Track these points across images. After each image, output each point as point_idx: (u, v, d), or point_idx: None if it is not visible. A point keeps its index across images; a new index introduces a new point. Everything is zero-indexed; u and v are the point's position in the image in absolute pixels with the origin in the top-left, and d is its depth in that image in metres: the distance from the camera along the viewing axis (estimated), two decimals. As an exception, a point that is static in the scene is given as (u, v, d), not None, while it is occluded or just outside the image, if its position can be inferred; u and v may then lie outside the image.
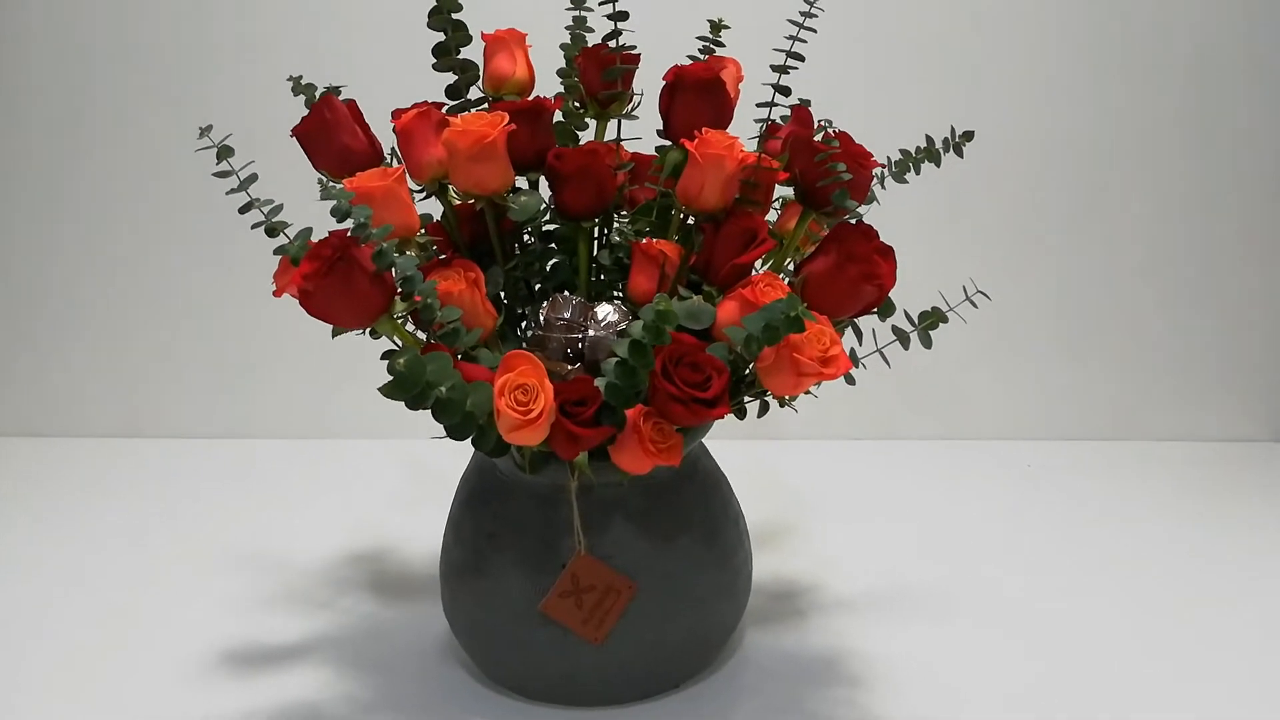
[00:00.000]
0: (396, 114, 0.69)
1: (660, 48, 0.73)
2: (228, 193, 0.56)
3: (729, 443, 0.79)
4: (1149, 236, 1.25)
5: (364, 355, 0.73)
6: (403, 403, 0.52)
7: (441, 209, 0.68)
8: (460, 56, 0.68)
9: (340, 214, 0.53)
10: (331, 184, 0.54)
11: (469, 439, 0.56)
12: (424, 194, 0.68)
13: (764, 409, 0.64)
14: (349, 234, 0.54)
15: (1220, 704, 0.68)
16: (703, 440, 0.73)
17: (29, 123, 1.17)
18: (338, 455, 1.16)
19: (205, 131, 0.56)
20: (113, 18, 1.15)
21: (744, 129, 0.67)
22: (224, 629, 0.77)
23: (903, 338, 0.63)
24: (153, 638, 0.76)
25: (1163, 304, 1.26)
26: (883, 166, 0.66)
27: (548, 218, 0.69)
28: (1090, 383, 1.26)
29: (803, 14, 0.64)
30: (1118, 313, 1.26)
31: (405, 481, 1.07)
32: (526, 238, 0.71)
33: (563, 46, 0.76)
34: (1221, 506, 1.03)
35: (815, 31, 0.64)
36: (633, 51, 0.71)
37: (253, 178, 0.56)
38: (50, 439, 1.21)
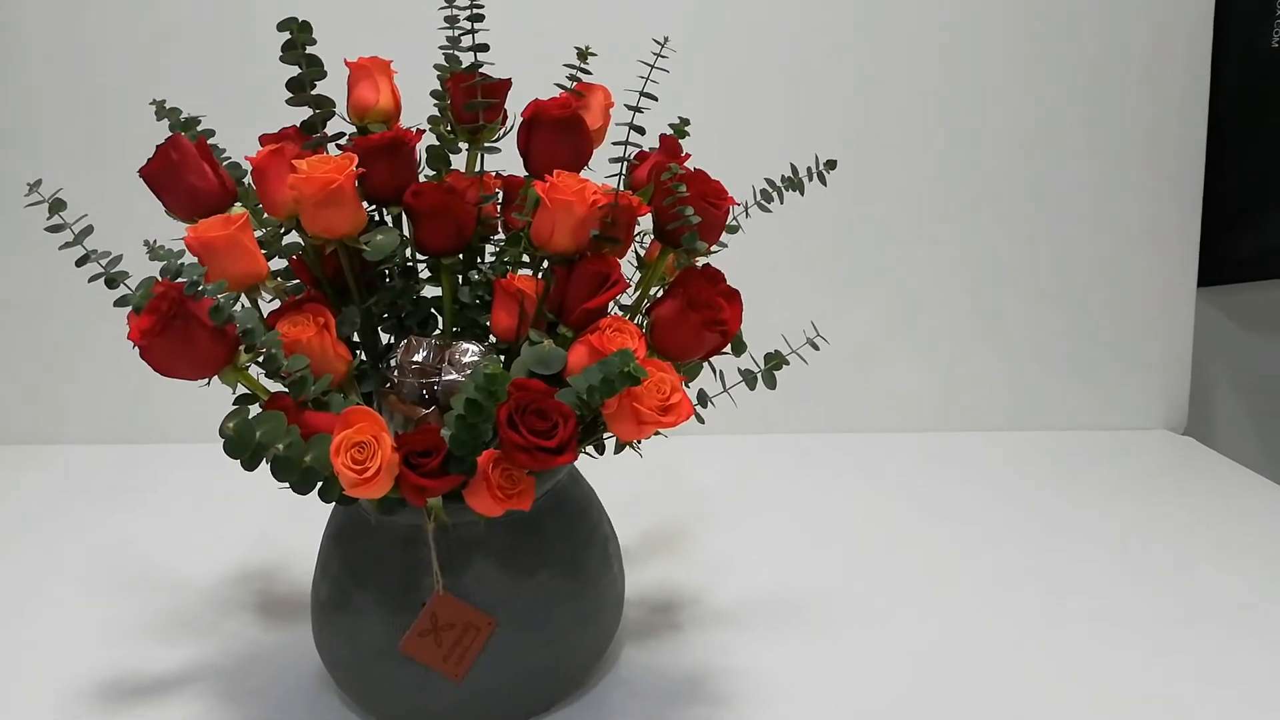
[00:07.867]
0: (264, 140, 0.69)
1: (543, 65, 0.72)
2: (60, 248, 0.55)
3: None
4: (1047, 232, 1.29)
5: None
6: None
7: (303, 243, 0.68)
8: (315, 92, 0.67)
9: (171, 274, 0.52)
10: (159, 245, 0.53)
11: (315, 491, 0.57)
12: (285, 230, 0.67)
13: (620, 446, 0.65)
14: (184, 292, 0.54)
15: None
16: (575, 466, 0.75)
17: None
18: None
19: (34, 187, 0.54)
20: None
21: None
22: (101, 654, 0.77)
23: (749, 379, 0.64)
24: (21, 664, 0.76)
25: (1060, 298, 1.30)
26: (736, 204, 0.67)
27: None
28: (991, 375, 1.30)
29: (655, 54, 0.64)
30: (1015, 307, 1.30)
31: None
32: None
33: (436, 67, 0.75)
34: (1119, 494, 1.08)
35: (668, 72, 0.64)
36: (500, 79, 0.71)
37: (88, 230, 0.55)
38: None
